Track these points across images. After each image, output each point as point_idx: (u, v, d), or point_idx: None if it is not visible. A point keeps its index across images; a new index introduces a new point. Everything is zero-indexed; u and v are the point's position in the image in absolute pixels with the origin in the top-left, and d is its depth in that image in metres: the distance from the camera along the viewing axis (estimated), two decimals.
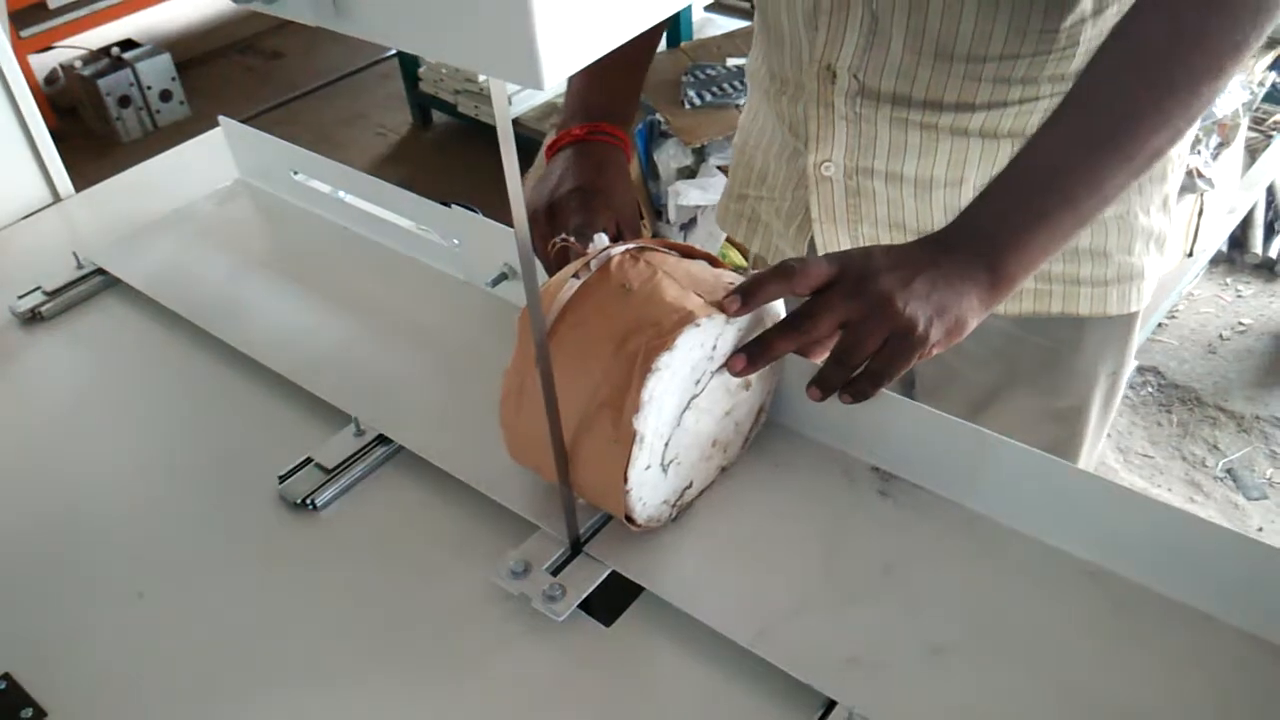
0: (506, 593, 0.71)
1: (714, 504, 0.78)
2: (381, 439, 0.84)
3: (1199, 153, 2.17)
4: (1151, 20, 0.68)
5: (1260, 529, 1.98)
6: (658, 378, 0.66)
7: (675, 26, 2.76)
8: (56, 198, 1.23)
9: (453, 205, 1.14)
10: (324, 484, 0.81)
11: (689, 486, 0.75)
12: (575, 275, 0.72)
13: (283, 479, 0.81)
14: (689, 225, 2.30)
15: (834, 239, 0.95)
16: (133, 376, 0.97)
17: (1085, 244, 0.89)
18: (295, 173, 1.14)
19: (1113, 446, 2.17)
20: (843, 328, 0.68)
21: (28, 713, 0.68)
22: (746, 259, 2.22)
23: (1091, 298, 0.91)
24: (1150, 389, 2.30)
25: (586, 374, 0.68)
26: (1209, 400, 2.25)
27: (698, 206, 2.24)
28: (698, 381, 0.70)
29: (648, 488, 0.70)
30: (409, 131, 3.50)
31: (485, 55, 0.42)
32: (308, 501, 0.80)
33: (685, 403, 0.70)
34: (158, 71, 3.53)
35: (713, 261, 0.75)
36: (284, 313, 1.01)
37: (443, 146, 3.40)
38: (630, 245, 0.73)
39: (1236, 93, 2.26)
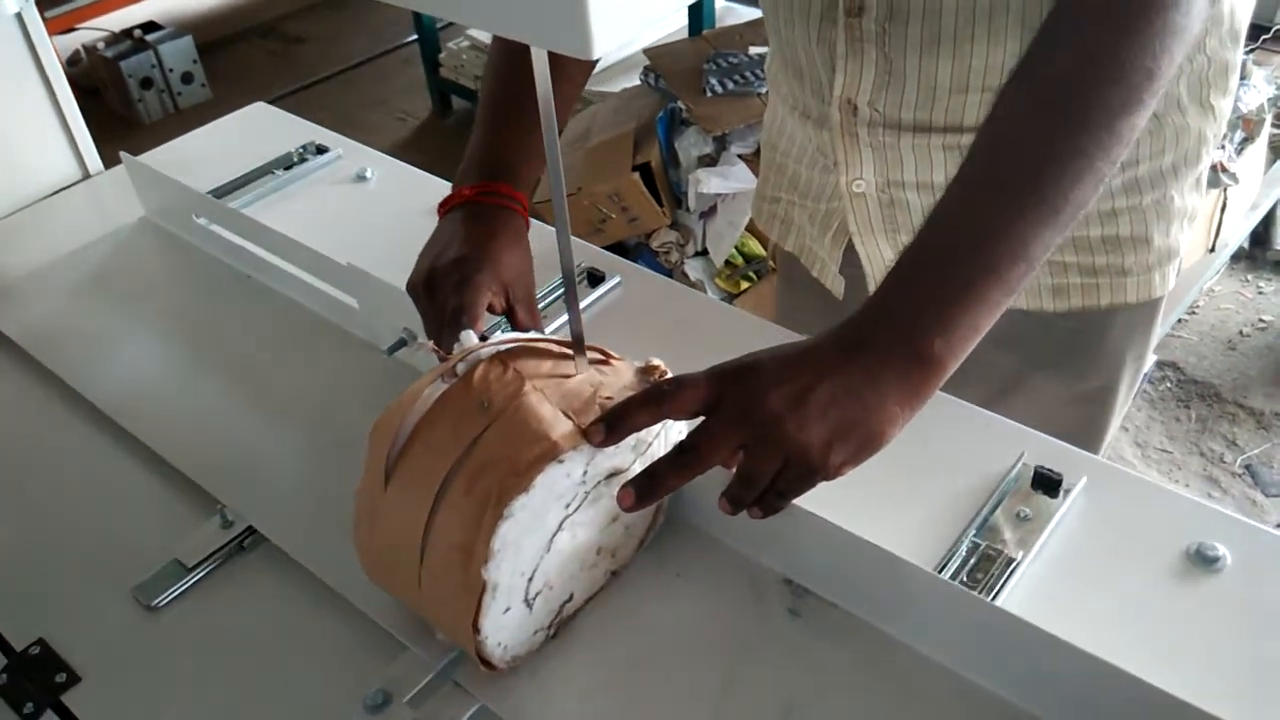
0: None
1: (603, 617, 0.71)
2: (252, 528, 0.78)
3: (1223, 147, 2.16)
4: (1057, 52, 0.62)
5: (1279, 525, 1.98)
6: (512, 523, 0.60)
7: (697, 14, 2.76)
8: (86, 174, 1.25)
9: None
10: (181, 582, 0.75)
11: (569, 600, 0.70)
12: (444, 377, 0.65)
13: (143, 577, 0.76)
14: (709, 213, 2.30)
15: (875, 248, 0.96)
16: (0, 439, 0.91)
17: (1127, 232, 0.89)
18: (197, 217, 1.09)
19: (1130, 441, 2.17)
20: (742, 448, 0.61)
21: (61, 677, 0.70)
22: (764, 248, 2.23)
23: (1138, 285, 0.91)
24: (1169, 384, 2.29)
25: (436, 508, 0.61)
26: (1228, 396, 2.24)
27: (718, 194, 2.24)
28: (568, 505, 0.64)
29: (508, 630, 0.65)
30: (429, 117, 3.51)
31: (533, 24, 0.42)
32: (161, 603, 0.74)
33: (555, 528, 0.64)
34: (179, 54, 3.54)
35: (605, 357, 0.68)
36: (167, 378, 0.95)
37: (462, 132, 3.38)
38: (503, 344, 0.66)
39: (1262, 88, 2.24)
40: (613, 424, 0.61)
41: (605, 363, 0.68)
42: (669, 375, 0.67)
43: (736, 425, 0.60)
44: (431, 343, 0.71)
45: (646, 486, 0.61)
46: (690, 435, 0.62)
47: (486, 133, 0.87)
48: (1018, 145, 0.62)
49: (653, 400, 0.62)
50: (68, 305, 1.05)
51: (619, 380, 0.66)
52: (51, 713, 0.68)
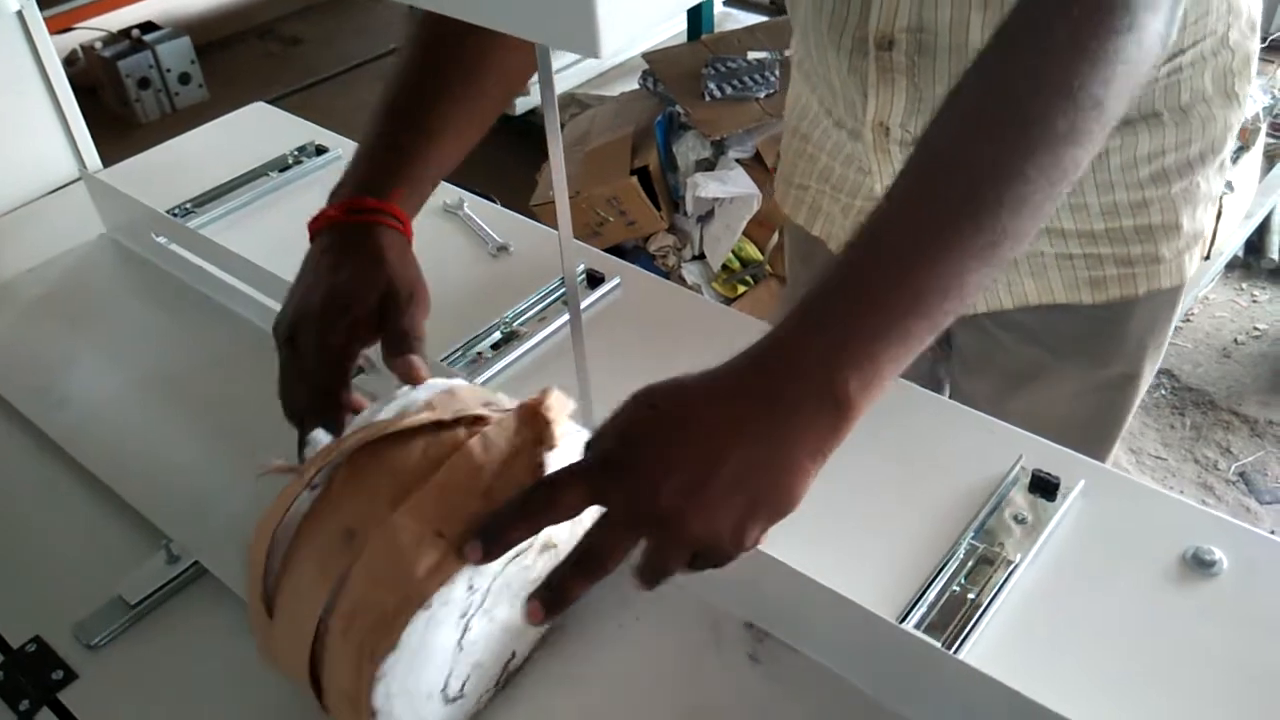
0: None
1: (552, 666, 0.67)
2: (199, 563, 0.74)
3: None
4: (1002, 67, 0.56)
5: (1273, 531, 1.98)
6: (391, 678, 0.55)
7: (696, 19, 2.76)
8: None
9: (470, 193, 1.15)
10: (123, 620, 0.72)
11: (511, 658, 0.65)
12: (310, 486, 0.59)
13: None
14: (706, 218, 2.31)
15: None
16: None
17: (1159, 220, 0.89)
18: (157, 236, 1.07)
19: (1125, 448, 2.17)
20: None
21: (58, 675, 0.70)
22: (761, 253, 2.23)
23: (1170, 271, 0.92)
24: (1164, 391, 2.30)
25: (319, 647, 0.57)
26: (1222, 404, 2.25)
27: (716, 199, 2.25)
28: (464, 614, 0.58)
29: None
30: None
31: (541, 22, 0.42)
32: (101, 643, 0.71)
33: (458, 635, 0.58)
34: (177, 54, 3.54)
35: (482, 416, 0.61)
36: (119, 403, 0.91)
37: None
38: (360, 440, 0.59)
39: (1258, 97, 2.26)
40: (490, 539, 0.55)
41: (483, 421, 0.61)
42: (553, 410, 0.60)
43: (631, 527, 0.54)
44: (281, 461, 0.63)
45: (552, 599, 0.55)
46: (586, 539, 0.55)
47: (369, 141, 0.77)
48: (955, 166, 0.55)
49: (529, 512, 0.55)
50: (21, 325, 1.02)
51: (502, 439, 0.59)
52: (48, 710, 0.68)
